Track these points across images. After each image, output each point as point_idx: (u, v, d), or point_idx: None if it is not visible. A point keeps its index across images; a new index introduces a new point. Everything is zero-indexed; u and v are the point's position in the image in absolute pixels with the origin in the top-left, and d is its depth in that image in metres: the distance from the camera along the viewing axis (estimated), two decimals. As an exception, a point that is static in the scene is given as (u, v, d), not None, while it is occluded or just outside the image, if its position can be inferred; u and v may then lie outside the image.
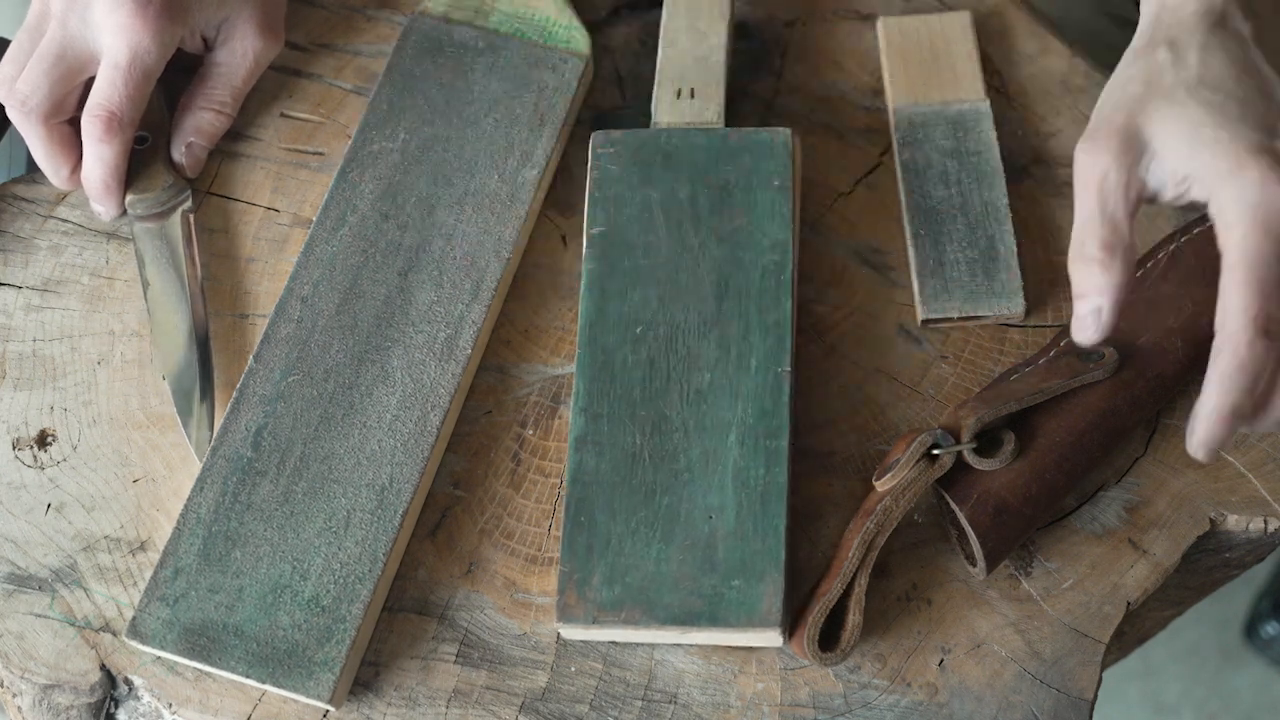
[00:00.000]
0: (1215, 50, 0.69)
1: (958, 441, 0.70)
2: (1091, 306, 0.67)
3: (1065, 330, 0.74)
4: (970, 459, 0.70)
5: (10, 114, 0.81)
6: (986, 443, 0.71)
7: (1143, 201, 0.68)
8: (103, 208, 0.83)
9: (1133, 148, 0.67)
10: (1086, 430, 0.72)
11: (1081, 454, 0.72)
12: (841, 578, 0.70)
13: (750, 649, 0.72)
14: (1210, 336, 0.64)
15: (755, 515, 0.72)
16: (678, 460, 0.73)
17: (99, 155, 0.80)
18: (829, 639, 0.70)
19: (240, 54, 0.84)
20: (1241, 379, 0.63)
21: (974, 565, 0.72)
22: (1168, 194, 0.68)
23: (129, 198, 0.83)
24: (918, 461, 0.70)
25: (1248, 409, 0.63)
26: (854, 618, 0.70)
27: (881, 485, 0.71)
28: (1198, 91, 0.67)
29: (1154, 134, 0.67)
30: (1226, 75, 0.68)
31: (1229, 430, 0.64)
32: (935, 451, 0.70)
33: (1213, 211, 0.65)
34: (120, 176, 0.82)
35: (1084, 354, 0.73)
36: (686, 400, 0.74)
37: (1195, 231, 0.78)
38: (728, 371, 0.75)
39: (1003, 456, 0.70)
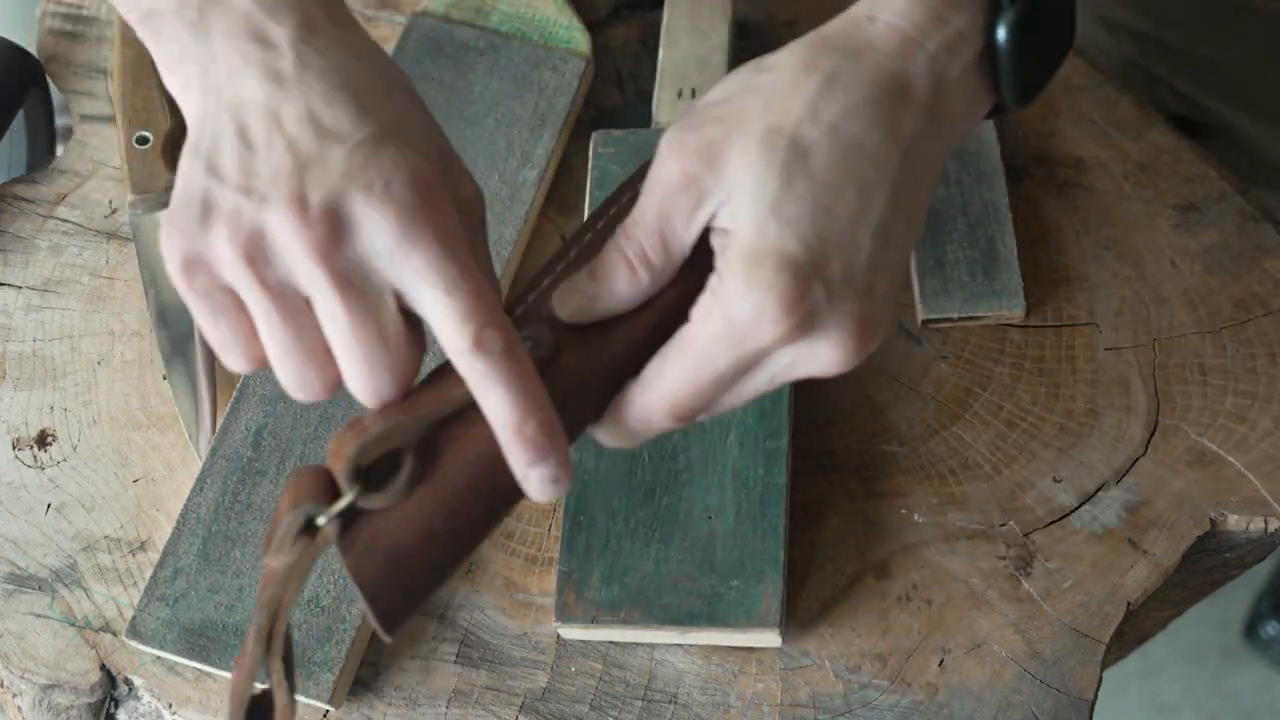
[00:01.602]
0: (859, 119, 0.56)
1: (335, 489, 0.54)
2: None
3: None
4: (358, 501, 0.54)
5: None
6: (385, 470, 0.54)
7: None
8: (555, 460, 0.54)
9: (712, 177, 0.57)
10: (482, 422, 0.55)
11: (505, 471, 0.54)
12: (245, 675, 0.56)
13: (750, 649, 0.72)
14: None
15: (754, 516, 0.72)
16: (677, 460, 0.73)
17: (518, 380, 0.54)
18: None
19: (469, 208, 0.60)
20: (637, 441, 0.60)
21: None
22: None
23: (130, 197, 0.83)
24: (298, 538, 0.54)
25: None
26: (281, 700, 0.56)
27: (269, 562, 0.55)
28: (800, 159, 0.56)
29: (732, 177, 0.56)
30: (847, 159, 0.56)
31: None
32: (318, 522, 0.54)
33: (711, 283, 0.57)
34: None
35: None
36: (686, 400, 0.74)
37: (625, 199, 0.61)
38: (727, 371, 0.75)
39: (394, 488, 0.54)
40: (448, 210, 0.55)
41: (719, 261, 0.57)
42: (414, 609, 0.55)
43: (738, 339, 0.56)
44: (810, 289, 0.55)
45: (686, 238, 0.57)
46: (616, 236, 0.58)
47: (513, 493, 0.55)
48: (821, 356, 0.57)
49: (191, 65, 0.57)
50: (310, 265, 0.53)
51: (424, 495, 0.54)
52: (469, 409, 0.54)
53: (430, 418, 0.54)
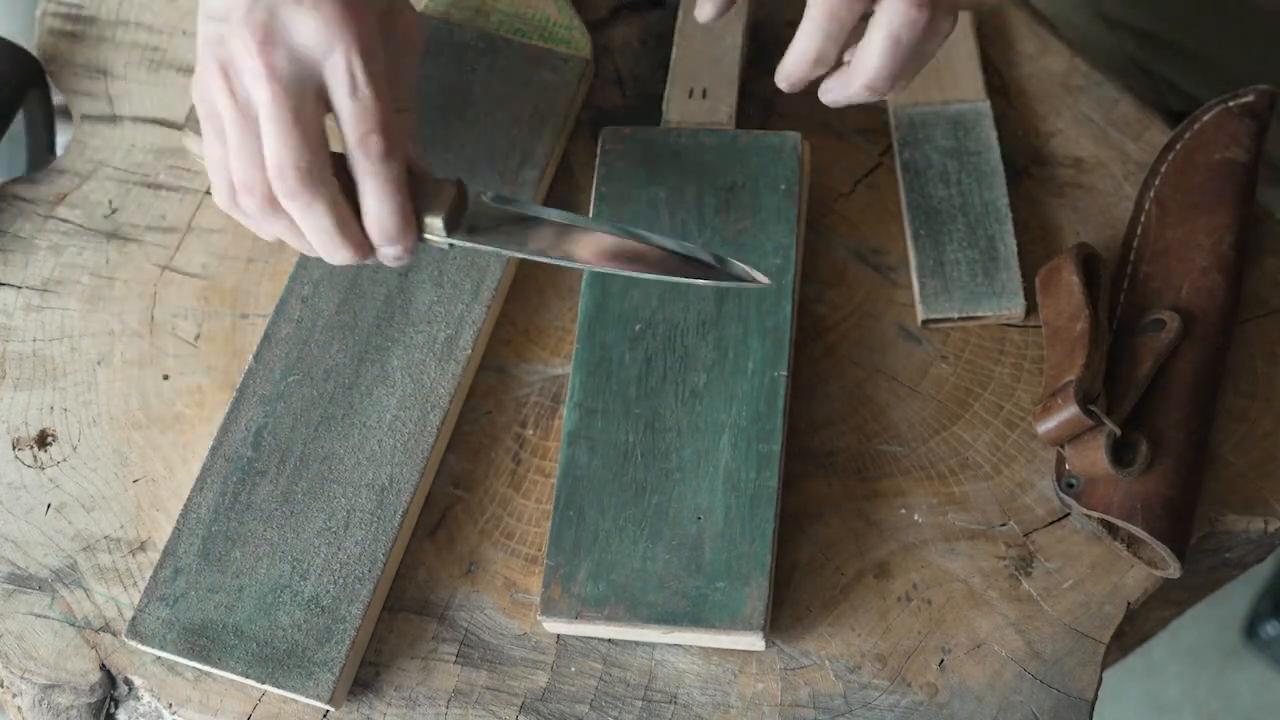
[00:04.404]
0: None
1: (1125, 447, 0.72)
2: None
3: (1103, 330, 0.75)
4: (1115, 472, 0.71)
5: (288, 203, 0.65)
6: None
7: None
8: (403, 245, 0.68)
9: None
10: (1193, 396, 0.74)
11: (1202, 419, 0.74)
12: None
13: (751, 649, 0.72)
14: (1236, 254, 0.76)
15: (744, 518, 0.71)
16: (669, 459, 0.73)
17: (388, 178, 0.66)
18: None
19: (405, 37, 0.71)
20: (824, 31, 0.69)
21: (1161, 569, 0.73)
22: None
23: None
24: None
25: (830, 55, 0.70)
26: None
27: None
28: None
29: None
30: None
31: (808, 69, 0.71)
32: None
33: None
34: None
35: (1147, 327, 0.75)
36: (681, 400, 0.74)
37: (1161, 171, 0.80)
38: (724, 373, 0.75)
39: (1141, 462, 0.71)
40: (368, 24, 0.64)
41: None
42: (1189, 542, 0.73)
43: None
44: None
45: None
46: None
47: (1210, 422, 0.75)
48: None
49: None
50: (249, 60, 0.63)
51: (1165, 459, 0.72)
52: (1154, 384, 0.74)
53: (1133, 400, 0.73)
